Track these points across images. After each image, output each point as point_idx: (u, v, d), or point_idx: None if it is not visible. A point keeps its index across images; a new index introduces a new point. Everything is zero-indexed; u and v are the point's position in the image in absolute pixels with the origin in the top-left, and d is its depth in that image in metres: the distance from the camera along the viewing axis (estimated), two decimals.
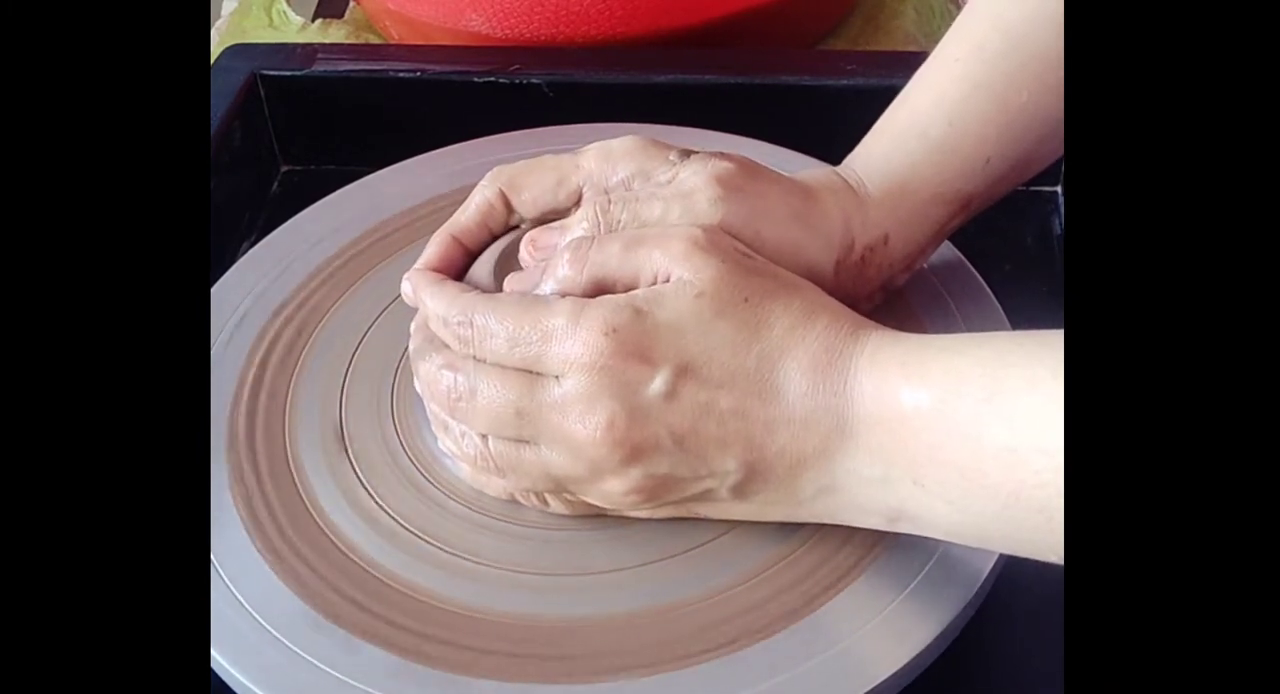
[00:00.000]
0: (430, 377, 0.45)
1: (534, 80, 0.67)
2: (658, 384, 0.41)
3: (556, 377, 0.42)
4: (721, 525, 0.46)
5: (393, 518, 0.47)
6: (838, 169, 0.50)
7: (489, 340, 0.43)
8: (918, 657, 0.42)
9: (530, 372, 0.42)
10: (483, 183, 0.49)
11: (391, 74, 0.68)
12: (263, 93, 0.69)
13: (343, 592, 0.45)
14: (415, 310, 0.53)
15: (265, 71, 0.68)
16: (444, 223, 0.50)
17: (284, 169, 0.71)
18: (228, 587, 0.45)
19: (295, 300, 0.55)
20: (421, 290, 0.46)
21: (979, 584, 0.44)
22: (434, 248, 0.49)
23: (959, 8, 0.79)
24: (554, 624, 0.44)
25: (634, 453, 0.42)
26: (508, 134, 0.63)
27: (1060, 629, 0.32)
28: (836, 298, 0.45)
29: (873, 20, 0.81)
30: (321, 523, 0.47)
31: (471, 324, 0.43)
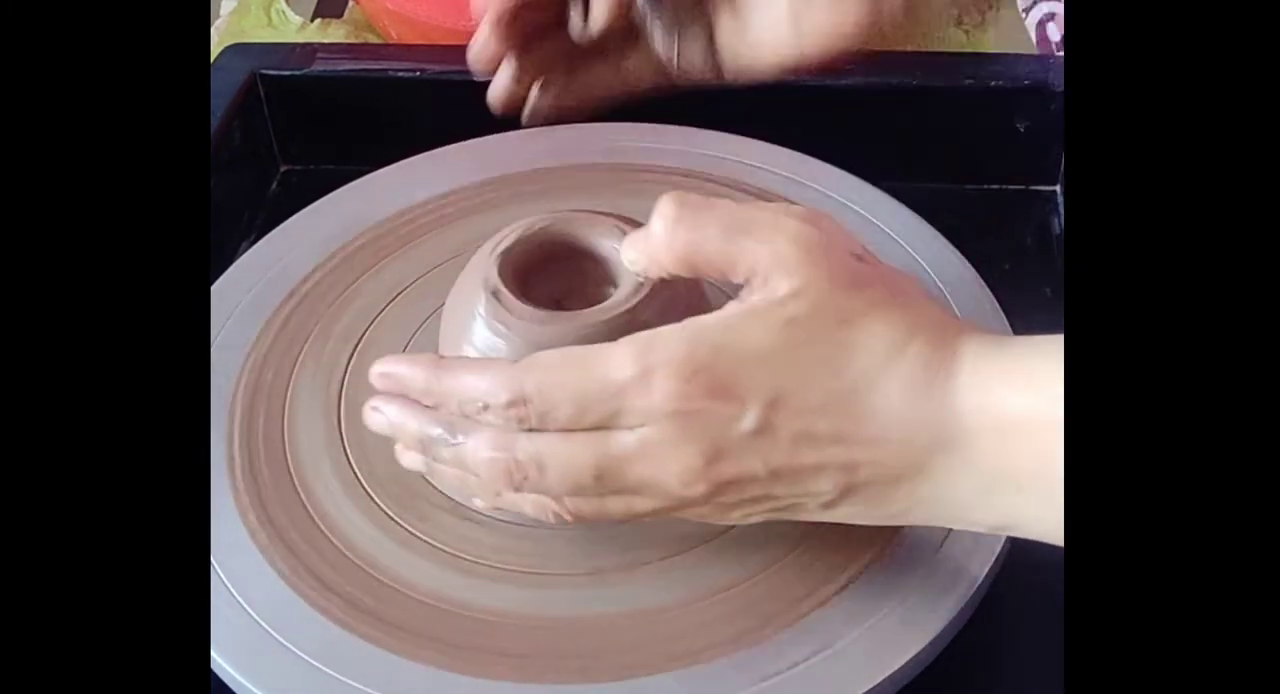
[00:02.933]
0: (475, 462, 0.41)
1: None
2: (748, 421, 0.38)
3: (635, 425, 0.39)
4: (720, 528, 0.46)
5: (393, 518, 0.47)
6: None
7: (552, 411, 0.39)
8: (917, 656, 0.42)
9: (600, 429, 0.39)
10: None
11: (391, 74, 0.68)
12: (262, 92, 0.68)
13: (343, 592, 0.45)
14: (415, 310, 0.53)
15: (264, 71, 0.68)
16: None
17: (283, 168, 0.71)
18: (227, 587, 0.45)
19: (295, 299, 0.55)
20: (423, 379, 0.42)
21: (978, 584, 0.44)
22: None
23: (958, 8, 0.79)
24: (554, 624, 0.44)
25: (725, 487, 0.40)
26: (507, 134, 0.63)
27: (1060, 629, 0.32)
28: None
29: None
30: (321, 523, 0.47)
31: (527, 402, 0.39)
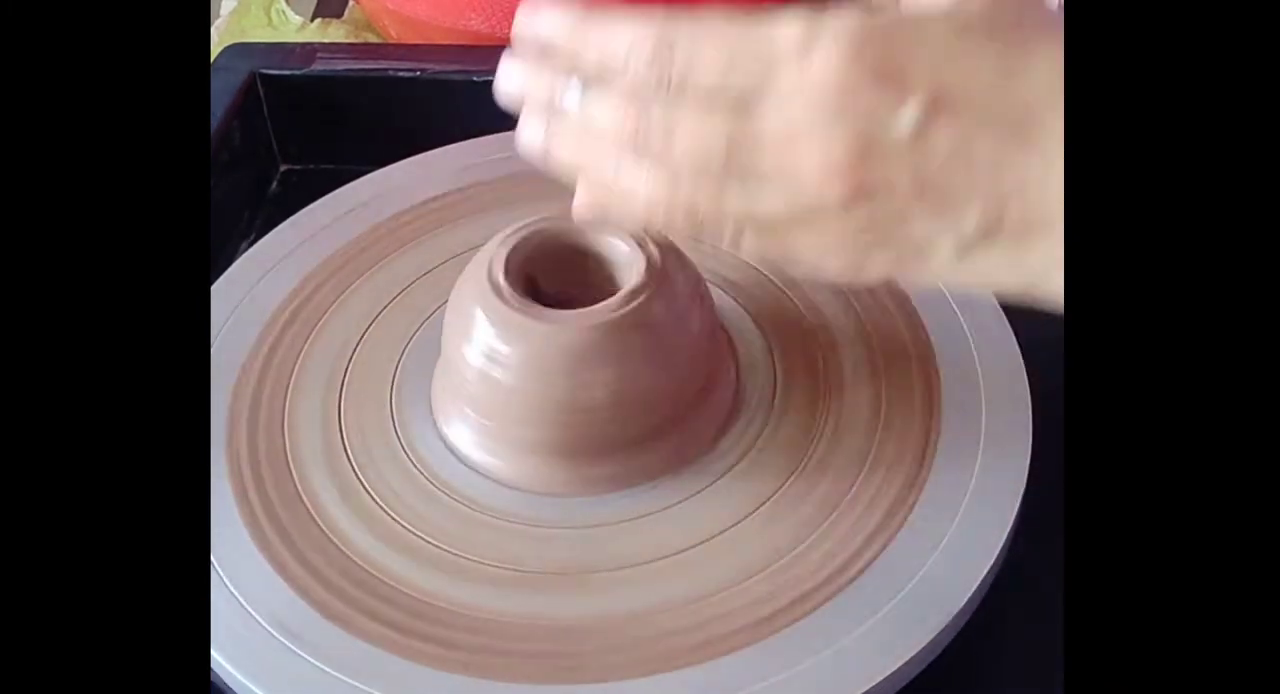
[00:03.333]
0: (602, 115, 0.37)
1: None
2: (907, 115, 0.34)
3: (781, 103, 0.35)
4: (721, 523, 0.46)
5: (393, 518, 0.47)
6: None
7: (697, 65, 0.35)
8: (917, 656, 0.42)
9: (745, 100, 0.35)
10: None
11: (391, 73, 0.68)
12: (262, 92, 0.68)
13: (343, 592, 0.44)
14: (415, 310, 0.53)
15: (264, 71, 0.68)
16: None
17: (283, 168, 0.71)
18: (227, 587, 0.45)
19: (295, 299, 0.55)
20: (568, 25, 0.38)
21: (978, 584, 0.44)
22: None
23: None
24: (552, 624, 0.44)
25: (862, 192, 0.35)
26: (507, 134, 0.62)
27: (1060, 629, 0.32)
28: None
29: None
30: (321, 523, 0.47)
31: (673, 48, 0.36)
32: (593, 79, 0.38)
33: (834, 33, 0.34)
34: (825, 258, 0.38)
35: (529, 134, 0.40)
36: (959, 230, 0.36)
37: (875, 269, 0.38)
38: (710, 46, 0.35)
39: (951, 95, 0.34)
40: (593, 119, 0.38)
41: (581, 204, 0.40)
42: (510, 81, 0.40)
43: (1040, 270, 0.36)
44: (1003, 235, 0.35)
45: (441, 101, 0.67)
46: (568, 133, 0.39)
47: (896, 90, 0.34)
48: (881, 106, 0.34)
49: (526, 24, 0.39)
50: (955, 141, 0.34)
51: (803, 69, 0.34)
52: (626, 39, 0.37)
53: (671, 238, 0.40)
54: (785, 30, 0.35)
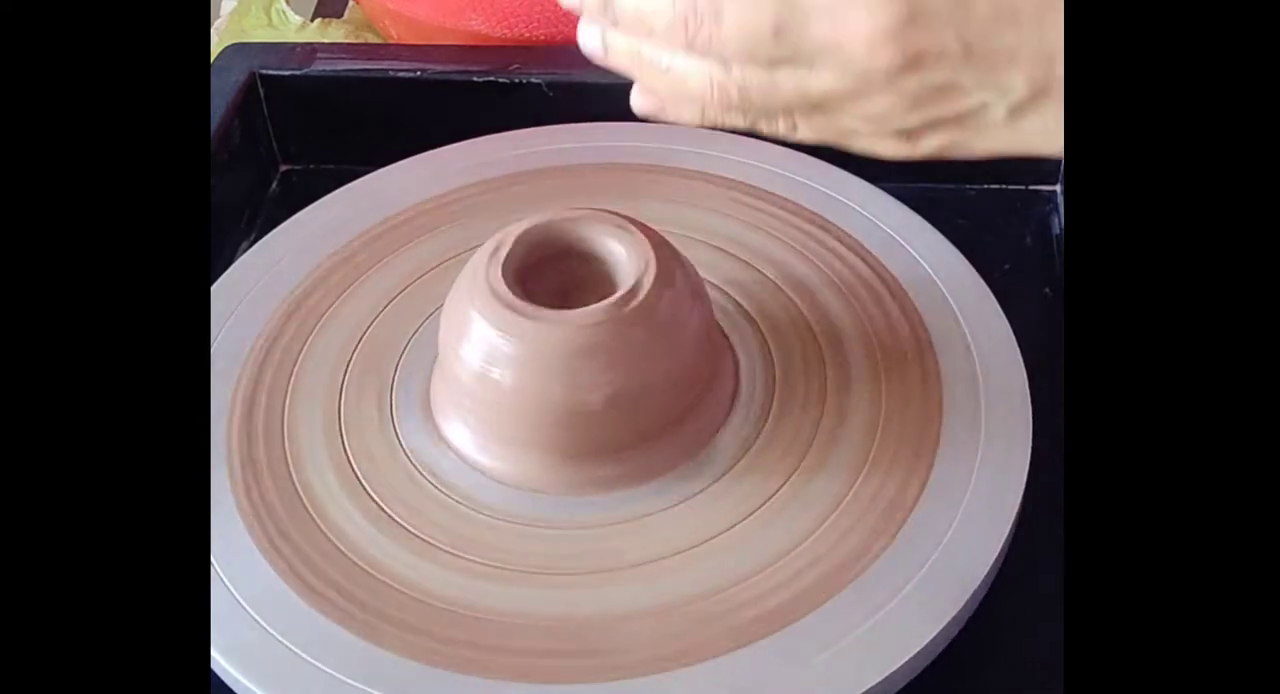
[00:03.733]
0: (652, 7, 0.38)
1: (534, 80, 0.67)
2: None
3: None
4: (723, 521, 0.46)
5: (393, 518, 0.47)
6: None
7: None
8: (917, 656, 0.42)
9: None
10: None
11: (391, 74, 0.68)
12: (262, 92, 0.68)
13: (343, 591, 0.45)
14: (415, 310, 0.53)
15: (264, 71, 0.68)
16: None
17: (283, 168, 0.71)
18: (227, 587, 0.45)
19: (294, 300, 0.55)
20: None
21: (978, 584, 0.44)
22: None
23: None
24: (553, 623, 0.44)
25: (914, 60, 0.36)
26: (507, 134, 0.63)
27: (1060, 629, 0.32)
28: None
29: None
30: (321, 523, 0.47)
31: None
32: None
33: None
34: (880, 134, 0.39)
35: (587, 38, 0.41)
36: (1010, 93, 0.36)
37: (930, 142, 0.39)
38: None
39: None
40: (645, 13, 0.38)
41: (638, 100, 0.41)
42: None
43: None
44: (1052, 96, 0.36)
45: (441, 101, 0.67)
46: (622, 31, 0.40)
47: None
48: None
49: None
50: (997, 2, 0.35)
51: None
52: None
53: (730, 127, 0.40)
54: None
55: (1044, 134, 0.38)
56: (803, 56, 0.37)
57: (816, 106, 0.39)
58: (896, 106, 0.37)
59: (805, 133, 0.40)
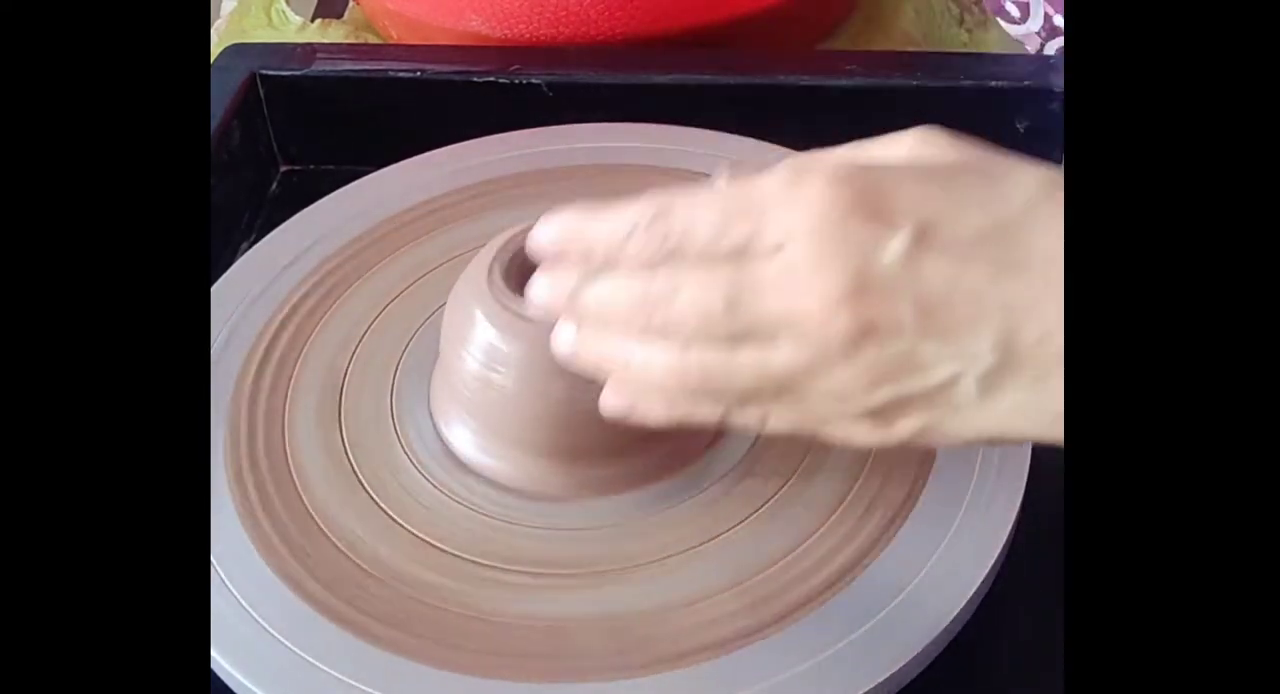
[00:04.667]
0: (611, 295, 0.39)
1: (534, 80, 0.67)
2: (896, 245, 0.35)
3: (775, 246, 0.36)
4: (722, 523, 0.46)
5: (393, 518, 0.47)
6: None
7: (695, 226, 0.37)
8: (917, 657, 0.42)
9: (740, 254, 0.37)
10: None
11: (391, 74, 0.68)
12: (262, 92, 0.69)
13: (343, 591, 0.44)
14: (415, 310, 0.53)
15: (264, 71, 0.68)
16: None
17: (283, 169, 0.71)
18: (227, 587, 0.45)
19: (295, 300, 0.55)
20: (577, 222, 0.40)
21: (978, 585, 0.44)
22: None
23: (960, 7, 0.79)
24: (553, 624, 0.44)
25: (869, 328, 0.35)
26: (507, 134, 0.63)
27: (1060, 629, 0.32)
28: None
29: (872, 20, 0.81)
30: (321, 523, 0.47)
31: (669, 215, 0.37)
32: (604, 268, 0.39)
33: (818, 174, 0.36)
34: (850, 416, 0.38)
35: (561, 340, 0.42)
36: (977, 361, 0.35)
37: (904, 425, 0.38)
38: (704, 207, 0.37)
39: (939, 223, 0.35)
40: (605, 304, 0.39)
41: (607, 400, 0.41)
42: (538, 294, 0.41)
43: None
44: (1024, 366, 0.35)
45: (441, 101, 0.67)
46: (588, 329, 0.41)
47: (883, 223, 0.35)
48: (871, 239, 0.35)
49: (541, 234, 0.41)
50: (948, 268, 0.35)
51: (792, 211, 0.36)
52: (628, 219, 0.38)
53: (702, 419, 0.40)
54: (772, 178, 0.36)
55: (1025, 412, 0.36)
56: (759, 331, 0.37)
57: (781, 387, 0.38)
58: (859, 381, 0.37)
59: (776, 422, 0.40)
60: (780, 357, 0.37)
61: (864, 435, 0.39)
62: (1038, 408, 0.36)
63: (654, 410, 0.41)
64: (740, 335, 0.37)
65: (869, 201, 0.35)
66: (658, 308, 0.38)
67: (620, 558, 0.45)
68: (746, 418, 0.40)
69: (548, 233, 0.41)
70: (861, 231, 0.35)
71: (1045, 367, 0.35)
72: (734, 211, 0.37)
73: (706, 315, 0.37)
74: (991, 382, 0.36)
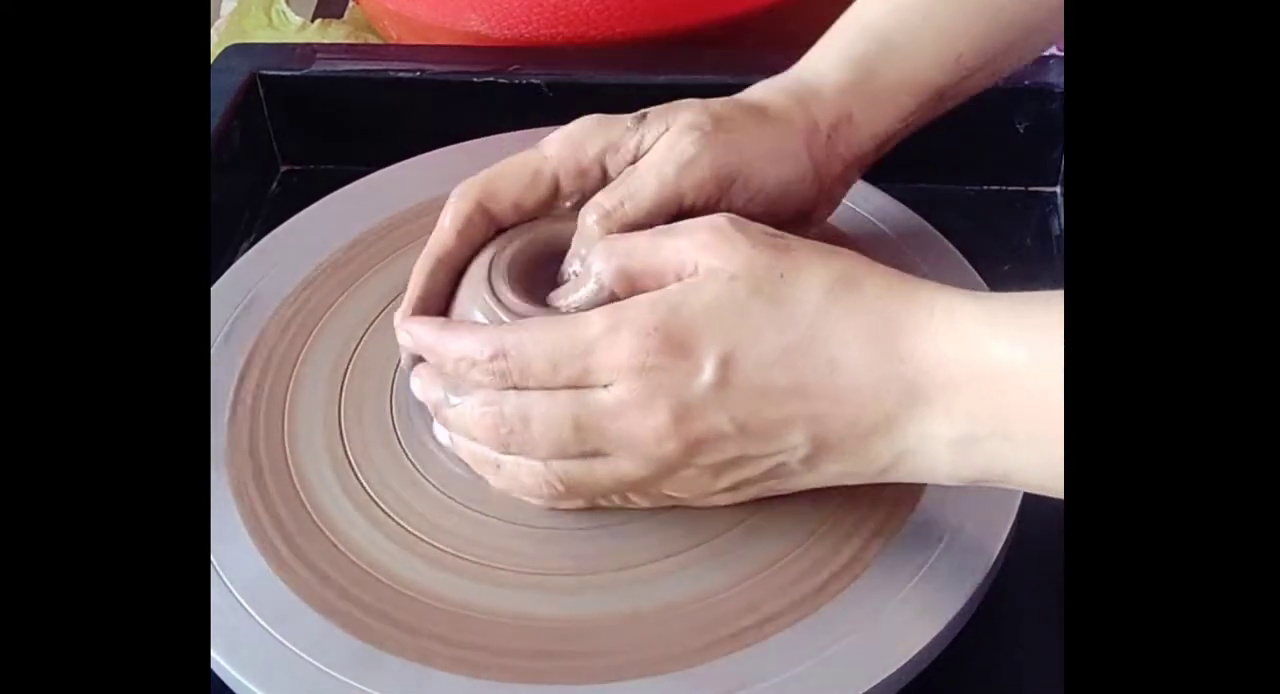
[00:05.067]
0: (472, 419, 0.43)
1: (533, 80, 0.67)
2: (707, 375, 0.40)
3: (606, 385, 0.41)
4: (721, 523, 0.46)
5: (392, 518, 0.47)
6: (790, 71, 0.51)
7: (529, 366, 0.42)
8: (918, 655, 0.42)
9: (577, 387, 0.42)
10: (453, 197, 0.48)
11: (391, 74, 0.68)
12: (262, 92, 0.68)
13: (343, 591, 0.44)
14: None
15: (264, 71, 0.68)
16: (425, 245, 0.49)
17: (283, 169, 0.71)
18: (227, 587, 0.45)
19: (295, 300, 0.55)
20: (430, 338, 0.45)
21: (979, 583, 0.44)
22: (420, 279, 0.47)
23: None
24: (555, 624, 0.44)
25: (697, 444, 0.41)
26: (507, 134, 0.63)
27: (1060, 629, 0.32)
28: (820, 184, 0.47)
29: None
30: (321, 523, 0.47)
31: (505, 356, 0.42)
32: (460, 383, 0.44)
33: (628, 321, 0.41)
34: (702, 498, 0.44)
35: (440, 434, 0.47)
36: (795, 451, 0.41)
37: (749, 491, 0.44)
38: (534, 347, 0.42)
39: (737, 348, 0.40)
40: (465, 421, 0.44)
41: (492, 484, 0.46)
42: (415, 391, 0.46)
43: (890, 462, 0.41)
44: (838, 447, 0.41)
45: (441, 101, 0.67)
46: (459, 436, 0.46)
47: (692, 360, 0.40)
48: (683, 375, 0.40)
49: (401, 339, 0.46)
50: (753, 386, 0.40)
51: (613, 356, 0.41)
52: (469, 348, 0.43)
53: (573, 509, 0.46)
54: (591, 326, 0.41)
55: (851, 474, 0.42)
56: (606, 449, 0.42)
57: (635, 487, 0.44)
58: (702, 477, 0.43)
59: (641, 502, 0.45)
60: (629, 468, 0.42)
61: (721, 501, 0.44)
62: (861, 469, 0.42)
63: (532, 500, 0.46)
64: (591, 453, 0.43)
65: (676, 343, 0.40)
66: (513, 433, 0.43)
67: (621, 558, 0.45)
68: (612, 502, 0.45)
69: (405, 340, 0.46)
70: (674, 370, 0.40)
71: (858, 443, 0.41)
72: (562, 357, 0.41)
73: (558, 440, 0.42)
74: (812, 462, 0.42)
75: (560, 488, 0.44)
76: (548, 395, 0.42)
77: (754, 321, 0.40)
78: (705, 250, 0.42)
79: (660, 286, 0.42)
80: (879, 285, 0.41)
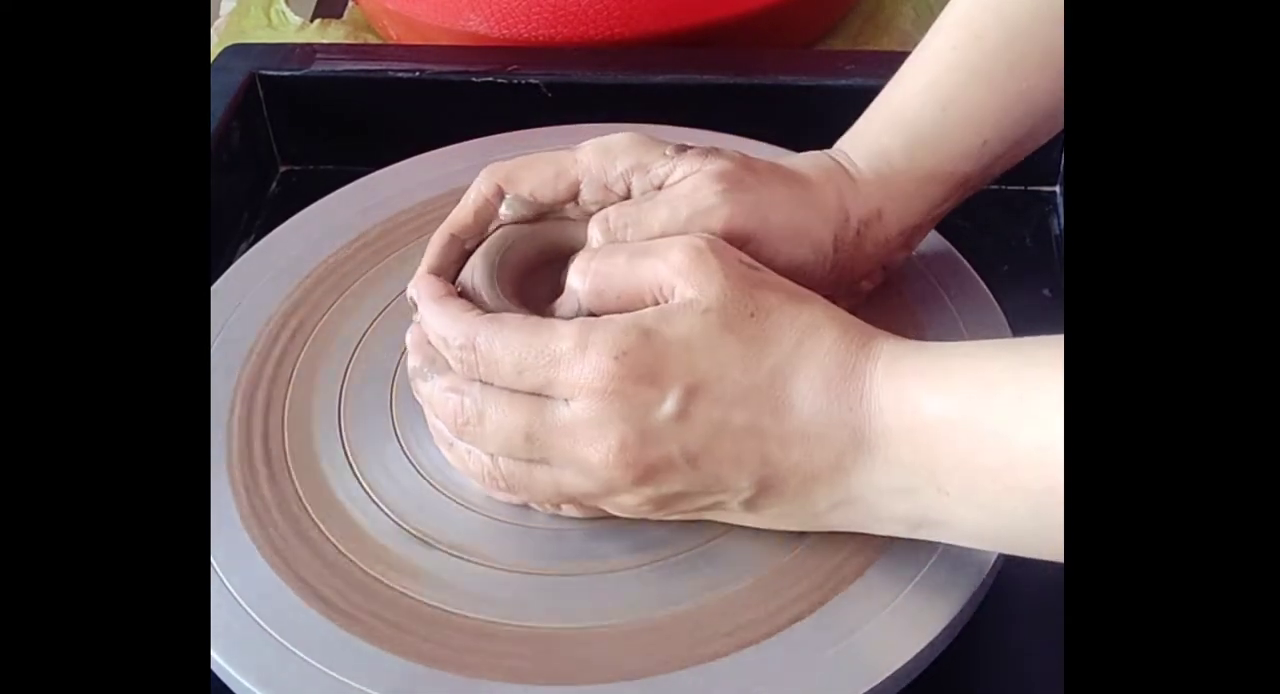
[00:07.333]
0: (435, 398, 0.44)
1: (532, 80, 0.67)
2: (669, 406, 0.41)
3: (565, 400, 0.41)
4: (718, 527, 0.46)
5: (392, 518, 0.47)
6: (828, 152, 0.51)
7: (495, 365, 0.42)
8: (918, 656, 0.42)
9: (538, 395, 0.42)
10: (479, 178, 0.49)
11: (390, 74, 0.68)
12: (261, 93, 0.69)
13: (343, 591, 0.44)
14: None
15: (264, 71, 0.68)
16: (442, 222, 0.49)
17: (282, 169, 0.71)
18: (227, 587, 0.45)
19: (294, 300, 0.55)
20: (423, 305, 0.45)
21: (979, 584, 0.44)
22: (435, 248, 0.48)
23: None
24: (556, 625, 0.44)
25: (647, 473, 0.42)
26: (506, 134, 0.63)
27: (1060, 629, 0.32)
28: (838, 275, 0.47)
29: (872, 20, 0.81)
30: (321, 523, 0.47)
31: (475, 349, 0.43)
32: (437, 359, 0.45)
33: (599, 342, 0.41)
34: (639, 515, 0.44)
35: (417, 392, 0.47)
36: (739, 493, 0.42)
37: (685, 516, 0.45)
38: (503, 349, 0.42)
39: (705, 383, 0.41)
40: (431, 401, 0.45)
41: (451, 462, 0.47)
42: (408, 343, 0.47)
43: (828, 507, 0.42)
44: (780, 492, 0.42)
45: (441, 101, 0.67)
46: (427, 409, 0.46)
47: (655, 387, 0.41)
48: (646, 402, 0.41)
49: (412, 289, 0.47)
50: (713, 418, 0.41)
51: (579, 374, 0.41)
52: (445, 330, 0.44)
53: (508, 502, 0.47)
54: (563, 339, 0.41)
55: (784, 517, 0.43)
56: (553, 461, 0.43)
57: (574, 499, 0.44)
58: (643, 503, 0.43)
59: (571, 513, 0.46)
60: (572, 481, 0.43)
61: (652, 519, 0.45)
62: (799, 512, 0.43)
63: (475, 483, 0.46)
64: (537, 461, 0.43)
65: (643, 372, 0.41)
66: (469, 424, 0.43)
67: (620, 559, 0.45)
68: (545, 509, 0.46)
69: (411, 293, 0.47)
70: (636, 398, 0.41)
71: (801, 486, 0.42)
72: (528, 364, 0.42)
73: (508, 443, 0.43)
74: (753, 504, 0.43)
75: (501, 482, 0.44)
76: (508, 398, 0.42)
77: (721, 358, 0.41)
78: (680, 276, 0.42)
79: (634, 308, 0.42)
80: (837, 332, 0.42)
